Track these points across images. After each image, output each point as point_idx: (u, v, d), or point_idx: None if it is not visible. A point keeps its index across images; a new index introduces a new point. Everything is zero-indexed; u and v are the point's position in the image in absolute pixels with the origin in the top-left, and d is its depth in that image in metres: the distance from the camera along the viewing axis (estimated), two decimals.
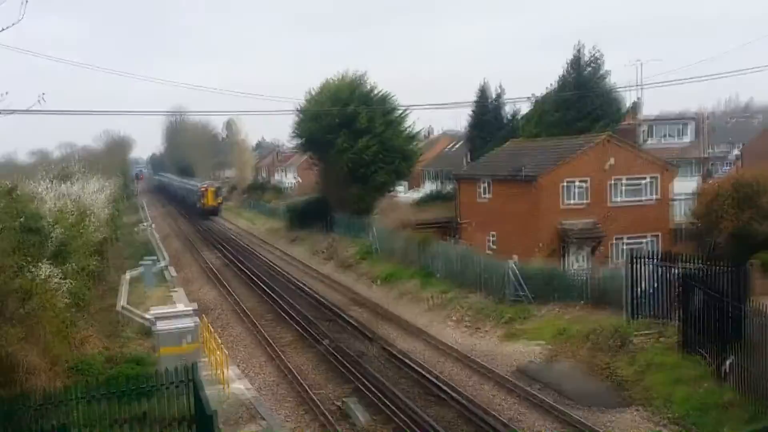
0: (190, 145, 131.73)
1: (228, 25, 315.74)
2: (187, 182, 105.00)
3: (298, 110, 59.13)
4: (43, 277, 19.21)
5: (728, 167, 68.85)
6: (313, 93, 60.15)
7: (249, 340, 27.30)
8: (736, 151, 77.12)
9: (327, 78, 60.02)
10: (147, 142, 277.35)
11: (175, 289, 36.14)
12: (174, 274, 41.05)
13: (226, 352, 20.28)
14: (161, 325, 19.57)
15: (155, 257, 41.40)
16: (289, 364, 23.00)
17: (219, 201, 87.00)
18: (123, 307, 29.28)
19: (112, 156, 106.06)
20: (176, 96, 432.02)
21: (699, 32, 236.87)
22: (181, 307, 25.31)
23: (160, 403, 14.61)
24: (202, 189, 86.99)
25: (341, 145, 54.58)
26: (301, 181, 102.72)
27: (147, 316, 25.31)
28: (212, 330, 23.65)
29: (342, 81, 58.58)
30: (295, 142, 64.57)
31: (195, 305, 23.95)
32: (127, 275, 36.88)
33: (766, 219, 30.55)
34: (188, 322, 19.81)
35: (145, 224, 68.34)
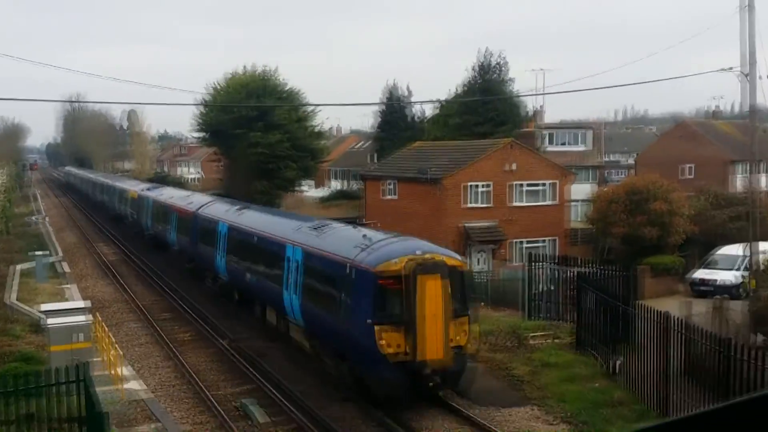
0: (87, 135, 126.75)
1: (127, 11, 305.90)
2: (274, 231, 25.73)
3: (204, 103, 57.95)
4: None
5: (622, 175, 72.04)
6: (219, 85, 59.15)
7: (145, 338, 26.48)
8: (630, 159, 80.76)
9: (233, 71, 59.22)
10: (43, 131, 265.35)
11: (68, 285, 34.69)
12: (68, 269, 39.38)
13: (120, 352, 19.59)
14: (52, 321, 18.69)
15: (47, 251, 39.57)
16: (186, 364, 22.44)
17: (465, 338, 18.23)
18: (12, 302, 27.86)
19: (5, 144, 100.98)
20: (73, 83, 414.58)
21: (599, 44, 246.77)
22: (73, 303, 24.29)
23: (50, 403, 13.99)
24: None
25: (254, 139, 53.77)
26: (204, 175, 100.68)
27: (37, 312, 24.15)
28: (106, 328, 22.79)
29: (252, 74, 57.86)
30: (199, 135, 63.36)
31: (88, 302, 22.99)
32: (17, 268, 35.13)
33: (655, 225, 32.17)
34: (80, 319, 19.02)
35: (37, 216, 65.32)
